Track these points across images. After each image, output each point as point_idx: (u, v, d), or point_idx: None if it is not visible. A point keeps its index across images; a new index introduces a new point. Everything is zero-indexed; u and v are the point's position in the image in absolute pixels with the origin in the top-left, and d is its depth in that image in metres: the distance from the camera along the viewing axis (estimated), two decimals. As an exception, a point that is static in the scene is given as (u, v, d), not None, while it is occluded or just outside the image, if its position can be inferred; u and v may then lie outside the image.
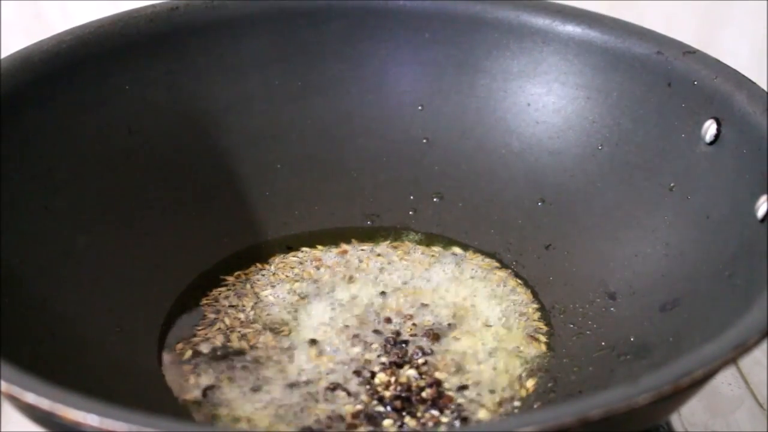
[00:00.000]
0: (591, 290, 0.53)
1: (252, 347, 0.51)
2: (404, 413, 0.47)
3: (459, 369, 0.50)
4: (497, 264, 0.57)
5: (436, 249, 0.58)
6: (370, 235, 0.60)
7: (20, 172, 0.51)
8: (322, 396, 0.48)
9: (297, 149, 0.61)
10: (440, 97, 0.62)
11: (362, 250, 0.58)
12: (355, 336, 0.52)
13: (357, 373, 0.49)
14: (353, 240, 0.59)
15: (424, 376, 0.49)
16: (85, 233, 0.53)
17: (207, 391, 0.48)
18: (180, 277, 0.55)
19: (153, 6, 0.59)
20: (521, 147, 0.60)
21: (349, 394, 0.48)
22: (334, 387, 0.48)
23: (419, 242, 0.59)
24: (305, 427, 0.46)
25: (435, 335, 0.52)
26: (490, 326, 0.53)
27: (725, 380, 0.55)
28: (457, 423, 0.46)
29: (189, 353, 0.50)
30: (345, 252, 0.58)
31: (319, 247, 0.59)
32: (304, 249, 0.58)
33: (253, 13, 0.60)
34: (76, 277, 0.51)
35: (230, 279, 0.56)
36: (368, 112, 0.62)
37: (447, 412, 0.47)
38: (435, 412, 0.47)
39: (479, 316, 0.54)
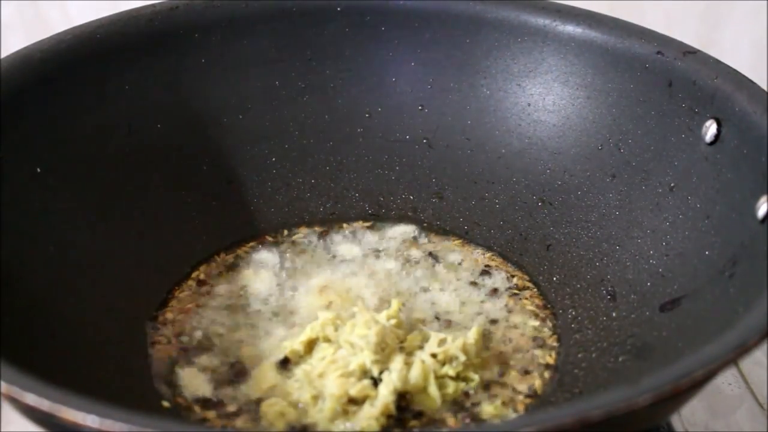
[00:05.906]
0: (591, 290, 0.53)
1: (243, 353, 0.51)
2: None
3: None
4: (497, 264, 0.57)
5: (436, 248, 0.59)
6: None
7: (20, 172, 0.51)
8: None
9: (297, 149, 0.61)
10: (440, 97, 0.62)
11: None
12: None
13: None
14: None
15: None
16: (84, 233, 0.53)
17: (202, 390, 0.48)
18: (180, 276, 0.55)
19: (153, 6, 0.59)
20: (521, 147, 0.60)
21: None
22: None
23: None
24: (304, 424, 0.46)
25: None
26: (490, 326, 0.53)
27: (725, 380, 0.55)
28: (468, 421, 0.46)
29: (185, 352, 0.51)
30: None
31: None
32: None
33: (253, 13, 0.61)
34: (76, 277, 0.51)
35: (228, 277, 0.56)
36: (368, 112, 0.62)
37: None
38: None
39: (479, 316, 0.54)
